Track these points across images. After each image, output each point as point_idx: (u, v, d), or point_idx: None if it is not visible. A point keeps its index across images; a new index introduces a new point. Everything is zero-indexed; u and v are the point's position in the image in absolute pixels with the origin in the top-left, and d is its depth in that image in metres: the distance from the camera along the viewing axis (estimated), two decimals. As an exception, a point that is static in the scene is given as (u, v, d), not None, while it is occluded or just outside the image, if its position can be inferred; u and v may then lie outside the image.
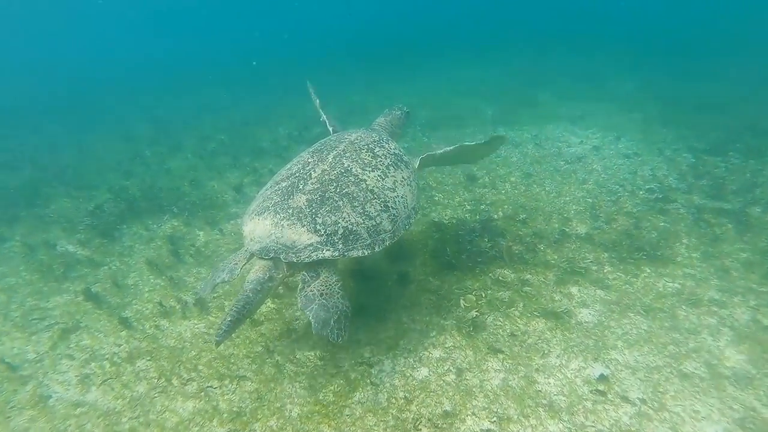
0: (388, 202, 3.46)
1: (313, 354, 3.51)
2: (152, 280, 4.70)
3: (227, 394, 3.23)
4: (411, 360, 3.36)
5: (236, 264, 3.39)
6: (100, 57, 25.63)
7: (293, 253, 3.14)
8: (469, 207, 5.49)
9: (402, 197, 3.59)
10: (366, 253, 3.24)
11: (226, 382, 3.32)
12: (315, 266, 3.27)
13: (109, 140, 10.14)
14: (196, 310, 4.14)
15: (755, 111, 8.54)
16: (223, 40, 29.82)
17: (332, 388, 3.19)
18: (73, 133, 10.97)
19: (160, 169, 8.09)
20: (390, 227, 3.40)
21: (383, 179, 3.56)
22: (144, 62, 22.61)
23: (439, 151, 4.19)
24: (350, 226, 3.23)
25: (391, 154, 3.85)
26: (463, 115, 9.83)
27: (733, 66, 11.99)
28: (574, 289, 4.03)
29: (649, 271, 4.22)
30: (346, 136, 3.98)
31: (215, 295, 4.26)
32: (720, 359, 3.23)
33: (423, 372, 3.25)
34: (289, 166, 3.81)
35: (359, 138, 3.93)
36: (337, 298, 3.11)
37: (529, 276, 4.22)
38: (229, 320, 2.91)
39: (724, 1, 22.32)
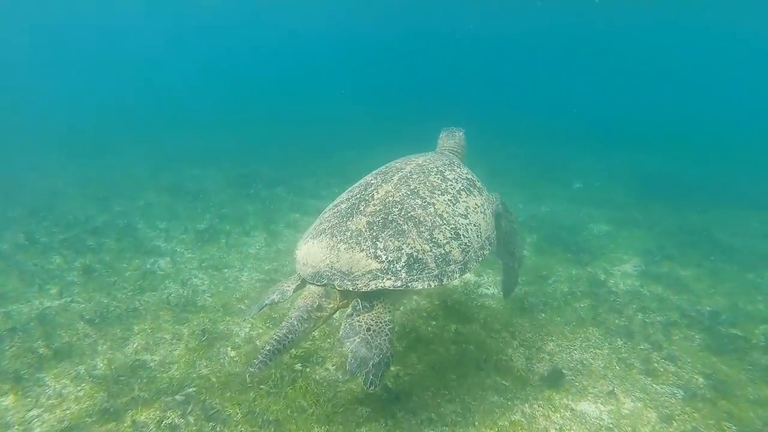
0: (459, 229, 3.18)
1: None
2: None
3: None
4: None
5: (289, 287, 3.24)
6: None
7: (349, 281, 2.84)
8: None
9: (475, 225, 3.33)
10: (432, 285, 2.92)
11: None
12: (371, 297, 2.98)
13: None
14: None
15: None
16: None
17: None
18: None
19: None
20: (461, 257, 3.09)
21: (454, 204, 3.30)
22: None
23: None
24: (415, 253, 2.91)
25: (464, 179, 3.62)
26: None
27: None
28: None
29: None
30: (413, 159, 3.77)
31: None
32: None
33: None
34: (350, 188, 3.57)
35: (428, 160, 3.72)
36: (384, 339, 2.79)
37: None
38: (268, 349, 2.69)
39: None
